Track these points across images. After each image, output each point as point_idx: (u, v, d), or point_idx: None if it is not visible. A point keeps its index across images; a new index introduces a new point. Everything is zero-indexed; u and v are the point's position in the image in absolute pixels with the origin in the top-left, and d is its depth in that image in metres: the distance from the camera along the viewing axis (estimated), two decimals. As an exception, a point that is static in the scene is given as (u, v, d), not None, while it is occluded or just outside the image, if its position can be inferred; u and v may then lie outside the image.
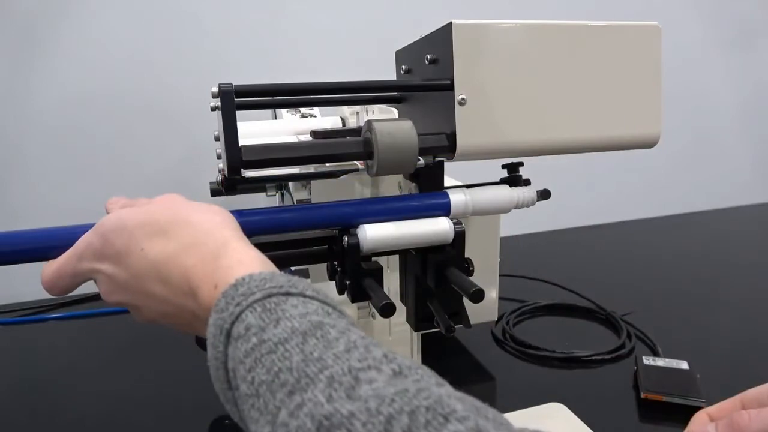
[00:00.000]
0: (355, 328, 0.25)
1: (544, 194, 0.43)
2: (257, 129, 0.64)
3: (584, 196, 1.14)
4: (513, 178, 0.44)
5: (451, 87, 0.37)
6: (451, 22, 0.37)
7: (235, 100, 0.36)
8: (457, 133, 0.37)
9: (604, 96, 0.41)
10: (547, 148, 0.41)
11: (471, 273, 0.39)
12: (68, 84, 0.87)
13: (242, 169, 0.37)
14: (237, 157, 0.35)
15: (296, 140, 0.65)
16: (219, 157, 0.40)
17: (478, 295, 0.34)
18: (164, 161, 0.94)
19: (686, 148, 1.20)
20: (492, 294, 0.58)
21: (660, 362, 0.57)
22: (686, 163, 1.22)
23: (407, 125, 0.36)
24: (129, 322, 0.73)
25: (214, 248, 0.29)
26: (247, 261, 0.29)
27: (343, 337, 0.24)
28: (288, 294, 0.26)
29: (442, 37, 0.38)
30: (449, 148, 0.38)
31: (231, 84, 0.35)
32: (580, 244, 1.04)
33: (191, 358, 0.62)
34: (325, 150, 0.37)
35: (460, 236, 0.38)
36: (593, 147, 0.42)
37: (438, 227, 0.38)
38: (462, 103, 0.37)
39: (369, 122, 0.37)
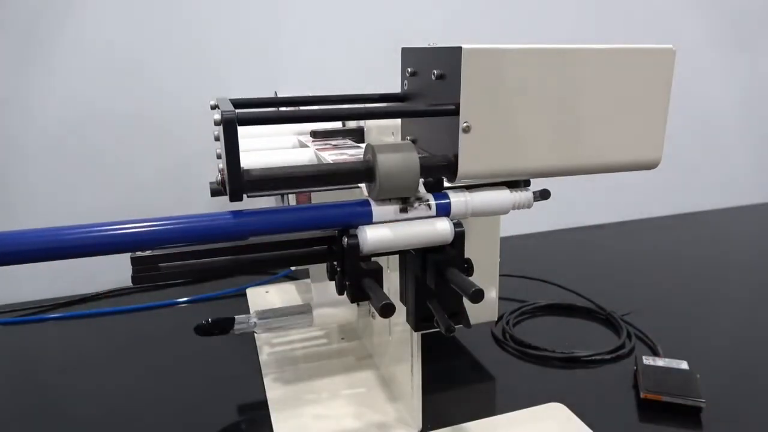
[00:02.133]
0: None
1: (543, 194, 0.43)
2: (256, 130, 0.64)
3: (584, 196, 1.14)
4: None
5: (456, 112, 0.37)
6: (461, 47, 0.36)
7: (237, 127, 0.35)
8: (459, 159, 0.38)
9: (612, 121, 0.41)
10: (551, 172, 0.41)
11: (471, 273, 0.39)
12: (69, 83, 0.87)
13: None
14: (239, 181, 0.35)
15: (296, 141, 0.65)
16: (219, 156, 0.40)
17: (478, 295, 0.34)
18: (165, 161, 0.94)
19: (686, 148, 1.20)
20: (492, 294, 0.58)
21: (660, 362, 0.57)
22: (686, 163, 1.22)
23: (410, 156, 0.36)
24: (129, 322, 0.73)
25: None
26: None
27: None
28: None
29: (452, 57, 0.37)
30: (451, 170, 0.38)
31: (233, 111, 0.35)
32: (580, 244, 1.04)
33: (191, 357, 0.62)
34: (327, 172, 0.37)
35: (459, 237, 0.38)
36: (595, 170, 0.42)
37: (438, 228, 0.38)
38: (466, 130, 0.37)
39: (370, 147, 0.37)
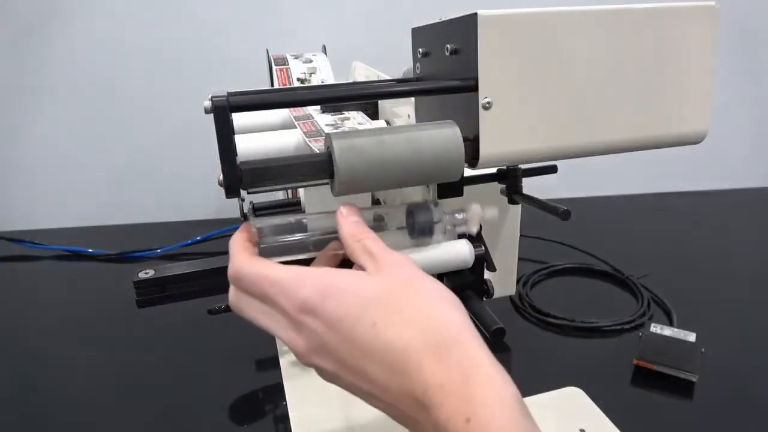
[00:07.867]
0: None
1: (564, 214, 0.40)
2: (252, 122, 0.61)
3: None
4: (511, 182, 0.41)
5: (474, 88, 0.33)
6: (476, 13, 0.32)
7: (230, 115, 0.32)
8: (480, 141, 0.34)
9: (651, 90, 0.36)
10: (582, 151, 0.37)
11: (491, 295, 0.37)
12: (75, 79, 0.85)
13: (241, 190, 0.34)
14: (235, 177, 0.32)
15: (297, 140, 0.62)
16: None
17: (499, 333, 0.32)
18: (169, 160, 0.93)
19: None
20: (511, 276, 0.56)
21: (667, 331, 0.56)
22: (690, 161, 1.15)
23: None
24: (129, 321, 0.70)
25: (465, 366, 0.25)
26: (505, 399, 0.24)
27: None
28: None
29: (466, 27, 0.33)
30: (471, 156, 0.34)
31: (225, 98, 0.31)
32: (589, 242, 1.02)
33: (192, 355, 0.61)
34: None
35: (479, 261, 0.36)
36: (633, 147, 0.38)
37: (458, 253, 0.36)
38: (487, 107, 0.33)
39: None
